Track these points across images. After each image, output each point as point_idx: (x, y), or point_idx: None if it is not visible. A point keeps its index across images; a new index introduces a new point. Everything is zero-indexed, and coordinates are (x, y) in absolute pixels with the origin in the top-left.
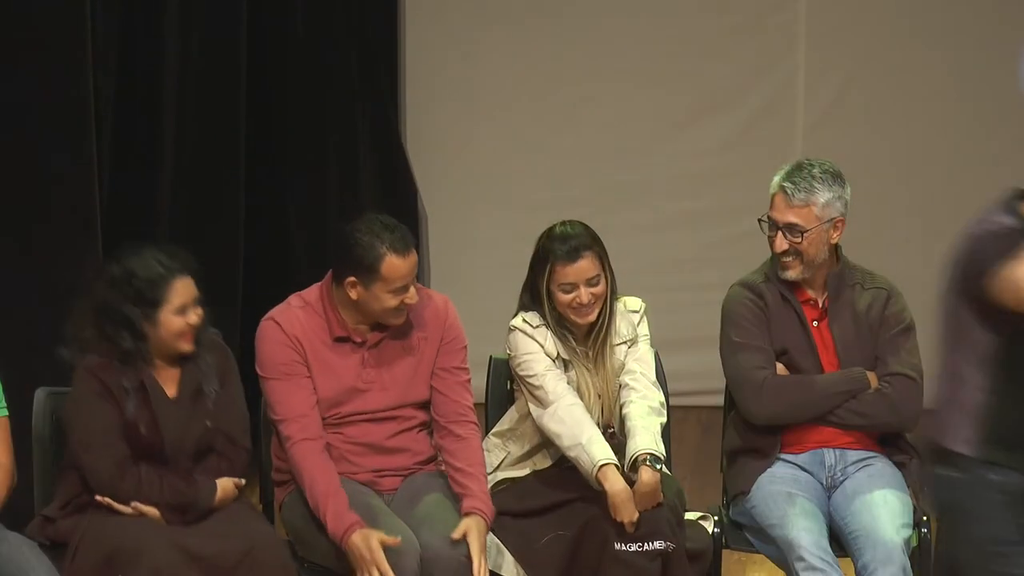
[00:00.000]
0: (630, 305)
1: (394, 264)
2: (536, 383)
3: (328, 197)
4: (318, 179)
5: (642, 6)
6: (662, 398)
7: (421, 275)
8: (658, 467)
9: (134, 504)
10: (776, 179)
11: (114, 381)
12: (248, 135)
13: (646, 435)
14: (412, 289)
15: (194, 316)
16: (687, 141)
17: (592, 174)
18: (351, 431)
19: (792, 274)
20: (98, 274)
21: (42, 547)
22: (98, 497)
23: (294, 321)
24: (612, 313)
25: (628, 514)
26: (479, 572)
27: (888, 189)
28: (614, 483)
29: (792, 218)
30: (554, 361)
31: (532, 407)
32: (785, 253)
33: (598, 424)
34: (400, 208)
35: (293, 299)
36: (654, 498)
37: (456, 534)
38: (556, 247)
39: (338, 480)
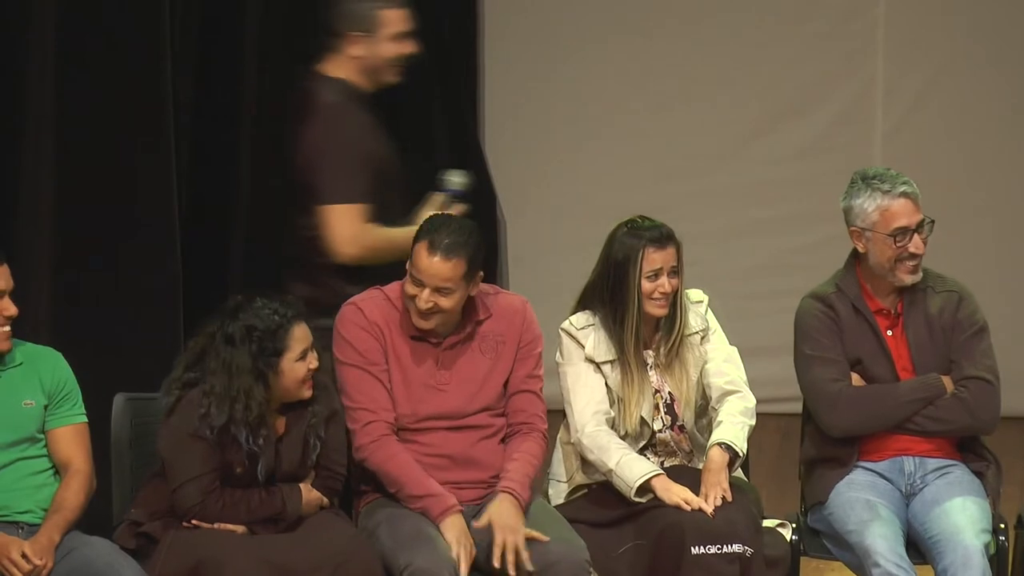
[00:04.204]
0: (693, 297)
1: (422, 254)
2: (567, 398)
3: (407, 203)
4: None
5: (721, 13)
6: (754, 403)
7: (499, 281)
8: (729, 453)
9: (225, 528)
10: (896, 190)
11: (224, 432)
12: None
13: (731, 428)
14: (425, 292)
15: (313, 360)
16: (765, 148)
17: (669, 181)
18: (430, 440)
19: (919, 275)
20: (213, 330)
21: (127, 551)
22: (186, 524)
23: (376, 309)
24: (684, 308)
25: (696, 501)
26: (501, 549)
27: (964, 195)
28: (662, 491)
29: (921, 214)
30: (598, 365)
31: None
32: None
33: (663, 423)
34: (479, 213)
35: (374, 290)
36: (717, 479)
37: (482, 521)
38: (646, 234)
39: (418, 466)
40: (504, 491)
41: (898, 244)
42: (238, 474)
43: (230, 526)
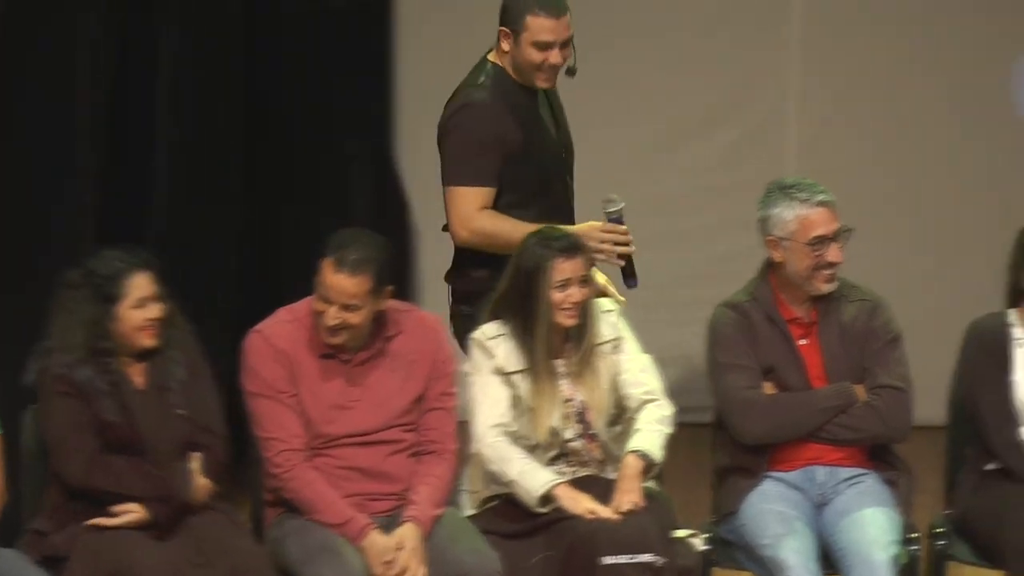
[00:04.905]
0: (603, 305)
1: (328, 271)
2: (472, 408)
3: (320, 210)
4: (309, 192)
5: (635, 25)
6: (672, 411)
7: (412, 293)
8: (644, 460)
9: (119, 508)
10: (814, 199)
11: (79, 378)
12: (243, 145)
13: (647, 436)
14: (333, 308)
15: (154, 310)
16: (679, 159)
17: (584, 192)
18: (341, 453)
19: (835, 284)
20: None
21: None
22: (91, 521)
23: (280, 334)
24: (593, 316)
25: (603, 510)
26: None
27: (879, 206)
28: (566, 499)
29: (839, 223)
30: (509, 376)
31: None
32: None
33: (574, 432)
34: (392, 222)
35: (282, 312)
36: (631, 486)
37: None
38: (555, 244)
39: (333, 491)
40: (411, 519)
41: (816, 253)
42: (114, 427)
43: (126, 508)
